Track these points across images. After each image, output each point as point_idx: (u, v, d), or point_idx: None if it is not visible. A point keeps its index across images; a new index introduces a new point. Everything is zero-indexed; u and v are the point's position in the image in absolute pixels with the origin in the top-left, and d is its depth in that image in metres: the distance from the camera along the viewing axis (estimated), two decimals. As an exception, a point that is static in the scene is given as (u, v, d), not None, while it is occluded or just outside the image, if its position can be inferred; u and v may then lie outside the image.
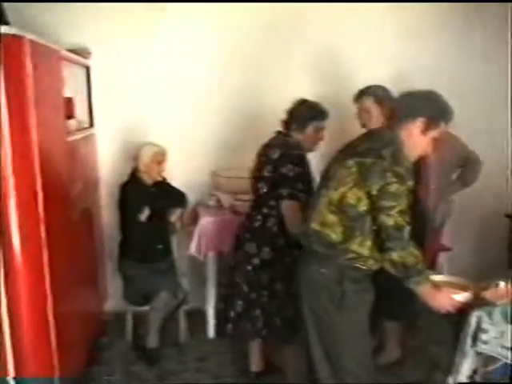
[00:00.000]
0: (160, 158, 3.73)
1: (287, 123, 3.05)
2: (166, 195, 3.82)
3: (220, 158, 4.29)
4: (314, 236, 2.40)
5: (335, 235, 2.34)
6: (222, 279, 3.85)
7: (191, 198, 4.04)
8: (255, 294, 2.99)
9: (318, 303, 2.43)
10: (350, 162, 2.30)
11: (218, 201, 4.09)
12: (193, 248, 3.81)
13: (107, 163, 4.21)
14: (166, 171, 3.87)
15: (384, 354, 3.46)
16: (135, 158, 3.74)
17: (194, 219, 4.06)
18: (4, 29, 2.34)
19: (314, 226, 2.40)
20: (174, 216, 3.82)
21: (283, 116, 3.08)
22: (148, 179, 3.75)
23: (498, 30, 3.89)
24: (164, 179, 3.87)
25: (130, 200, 3.64)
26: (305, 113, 2.99)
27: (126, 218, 3.68)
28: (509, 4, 3.69)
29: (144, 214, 3.62)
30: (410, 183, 2.26)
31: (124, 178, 3.81)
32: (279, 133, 3.09)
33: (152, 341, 3.64)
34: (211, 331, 3.95)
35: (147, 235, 3.69)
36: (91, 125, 3.94)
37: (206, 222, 3.82)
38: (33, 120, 2.50)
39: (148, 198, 3.69)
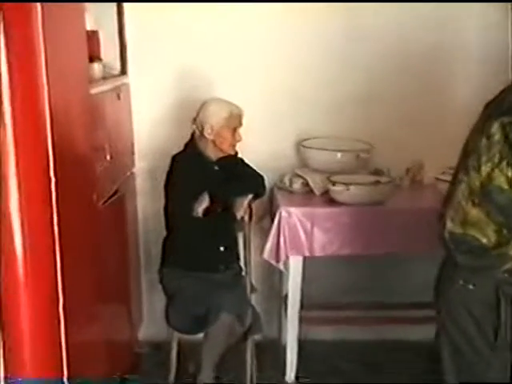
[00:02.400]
0: (236, 122, 3.66)
1: None
2: (236, 178, 3.76)
3: (307, 124, 4.26)
4: (454, 241, 2.36)
5: (485, 238, 2.29)
6: (308, 297, 3.98)
7: (267, 179, 3.96)
8: None
9: (461, 331, 2.39)
10: (494, 126, 2.22)
11: (306, 184, 4.07)
12: (267, 251, 3.81)
13: (146, 128, 4.20)
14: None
15: None
16: (198, 120, 3.66)
17: (270, 210, 4.07)
18: None
19: (452, 226, 2.36)
20: (242, 207, 3.73)
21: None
22: (212, 153, 3.70)
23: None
24: (236, 153, 3.80)
25: (184, 182, 3.58)
26: None
27: (174, 208, 3.62)
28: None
29: (202, 204, 3.58)
30: None
31: (172, 149, 3.78)
32: None
33: (206, 381, 3.61)
34: (290, 373, 3.99)
35: (204, 233, 3.65)
36: (123, 72, 3.94)
37: (287, 214, 3.80)
38: (42, 63, 2.46)
39: (210, 180, 3.65)
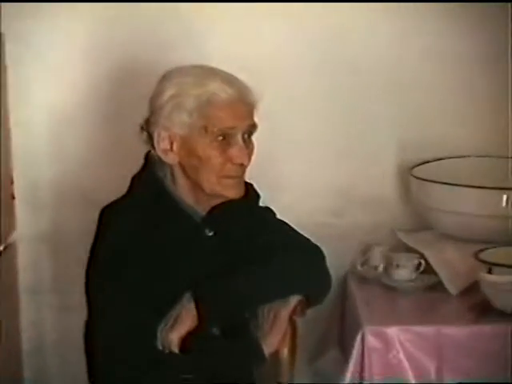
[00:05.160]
0: (231, 119, 3.08)
1: None
2: (256, 256, 3.24)
3: (419, 133, 4.33)
4: None
5: None
6: None
7: (330, 258, 3.41)
8: None
9: None
10: None
11: (424, 268, 3.91)
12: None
13: (42, 141, 4.19)
14: (251, 174, 3.29)
15: None
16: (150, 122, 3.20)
17: (340, 331, 4.14)
18: None
19: None
20: (274, 329, 3.18)
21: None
22: (193, 197, 3.19)
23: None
24: (250, 195, 3.33)
25: (134, 269, 3.07)
26: None
27: (109, 329, 3.06)
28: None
29: (179, 322, 3.08)
30: None
31: (104, 187, 3.83)
32: None
33: None
34: None
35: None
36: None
37: (380, 342, 3.58)
38: None
39: (196, 262, 3.17)
